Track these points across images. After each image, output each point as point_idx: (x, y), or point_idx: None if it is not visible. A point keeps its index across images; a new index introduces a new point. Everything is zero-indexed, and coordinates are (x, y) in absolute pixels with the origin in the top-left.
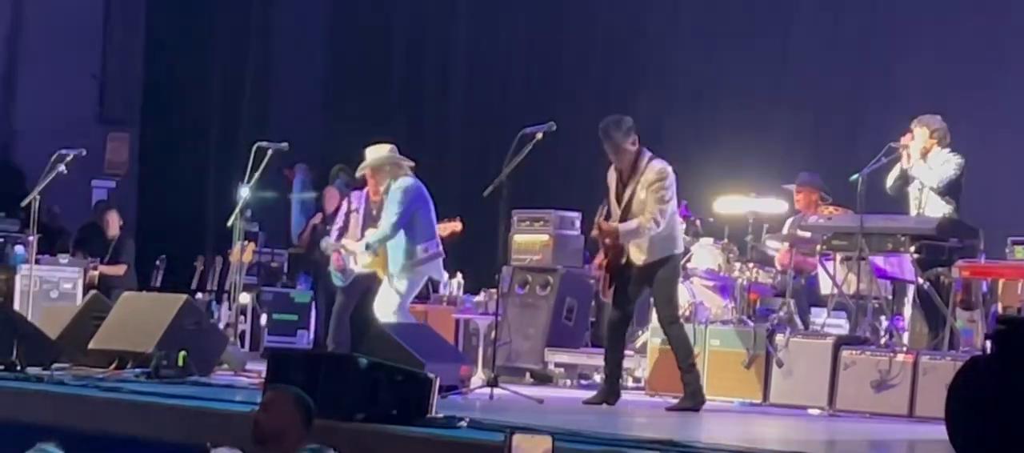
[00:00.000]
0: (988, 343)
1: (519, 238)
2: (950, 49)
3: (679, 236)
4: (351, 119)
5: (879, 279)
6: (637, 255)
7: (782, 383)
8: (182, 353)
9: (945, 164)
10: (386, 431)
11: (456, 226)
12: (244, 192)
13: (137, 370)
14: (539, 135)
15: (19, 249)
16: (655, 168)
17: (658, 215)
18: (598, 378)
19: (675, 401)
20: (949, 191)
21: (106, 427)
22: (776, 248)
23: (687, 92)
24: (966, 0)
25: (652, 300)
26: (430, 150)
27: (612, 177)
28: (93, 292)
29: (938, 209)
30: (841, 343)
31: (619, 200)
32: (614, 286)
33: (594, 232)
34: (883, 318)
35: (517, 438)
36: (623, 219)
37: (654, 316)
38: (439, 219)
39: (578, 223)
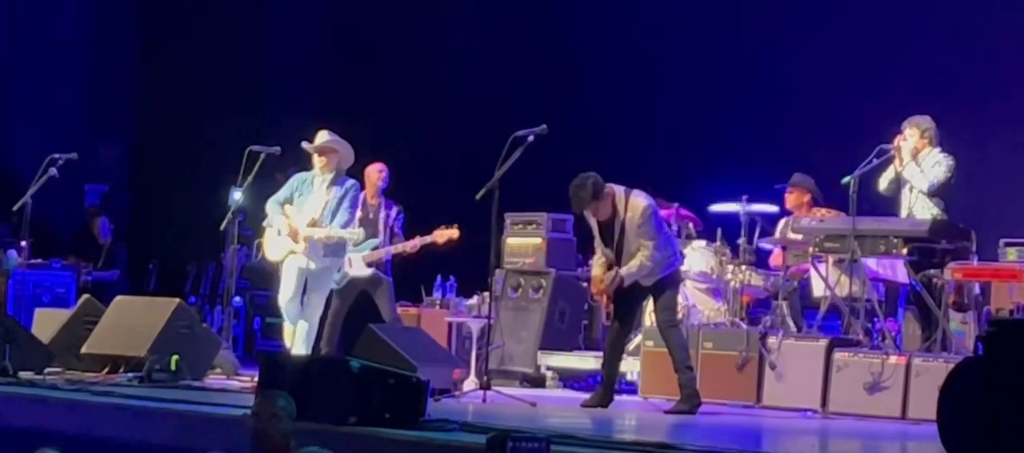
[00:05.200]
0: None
1: (512, 241)
2: (942, 50)
3: (677, 249)
4: (344, 123)
5: (872, 281)
6: (644, 280)
7: (775, 385)
8: (175, 357)
9: (936, 165)
10: (378, 434)
11: (453, 233)
12: (237, 196)
13: (130, 374)
14: (531, 138)
15: (11, 253)
16: (636, 207)
17: (653, 250)
18: (592, 380)
19: (668, 403)
20: (938, 192)
21: (99, 432)
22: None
23: (679, 94)
24: (957, 2)
25: (652, 307)
26: (423, 153)
27: (592, 219)
28: (86, 296)
29: (926, 210)
30: (834, 345)
31: (607, 241)
32: (616, 303)
33: (598, 287)
34: (876, 320)
35: None
36: (618, 256)
37: (647, 319)
38: (435, 226)
39: (570, 226)
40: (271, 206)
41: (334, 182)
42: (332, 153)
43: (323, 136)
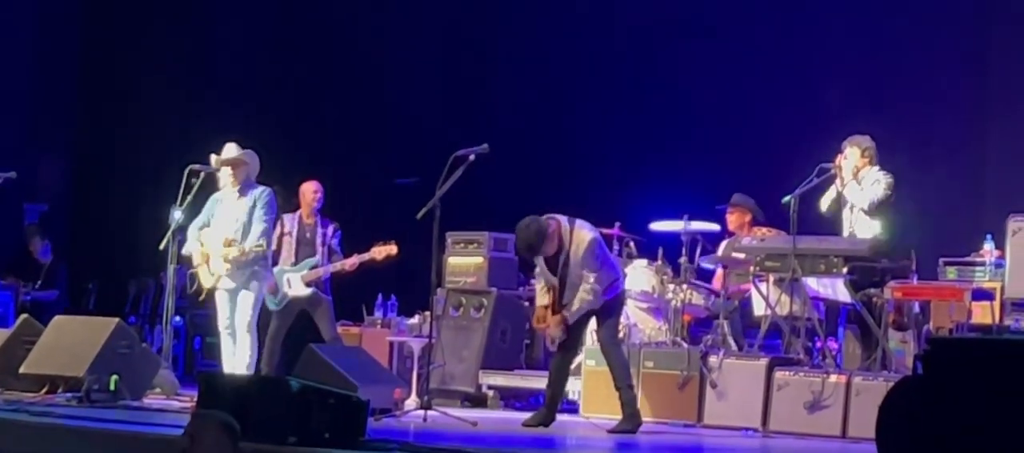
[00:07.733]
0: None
1: (453, 260)
2: (881, 69)
3: (620, 271)
4: (283, 142)
5: (812, 300)
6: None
7: (716, 404)
8: (114, 377)
9: (875, 184)
10: None
11: (392, 249)
12: (177, 215)
13: (69, 394)
14: (472, 157)
15: None
16: (581, 241)
17: (595, 283)
18: (533, 400)
19: (610, 422)
20: (878, 211)
21: (37, 452)
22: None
23: (621, 113)
24: (895, 22)
25: (594, 325)
26: (364, 173)
27: (540, 260)
28: (24, 316)
29: (868, 230)
30: (774, 364)
31: (552, 270)
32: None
33: (550, 328)
34: (816, 339)
35: None
36: (562, 286)
37: (589, 339)
38: (374, 243)
39: (512, 246)
40: (191, 231)
41: (242, 193)
42: (242, 166)
43: (232, 149)
